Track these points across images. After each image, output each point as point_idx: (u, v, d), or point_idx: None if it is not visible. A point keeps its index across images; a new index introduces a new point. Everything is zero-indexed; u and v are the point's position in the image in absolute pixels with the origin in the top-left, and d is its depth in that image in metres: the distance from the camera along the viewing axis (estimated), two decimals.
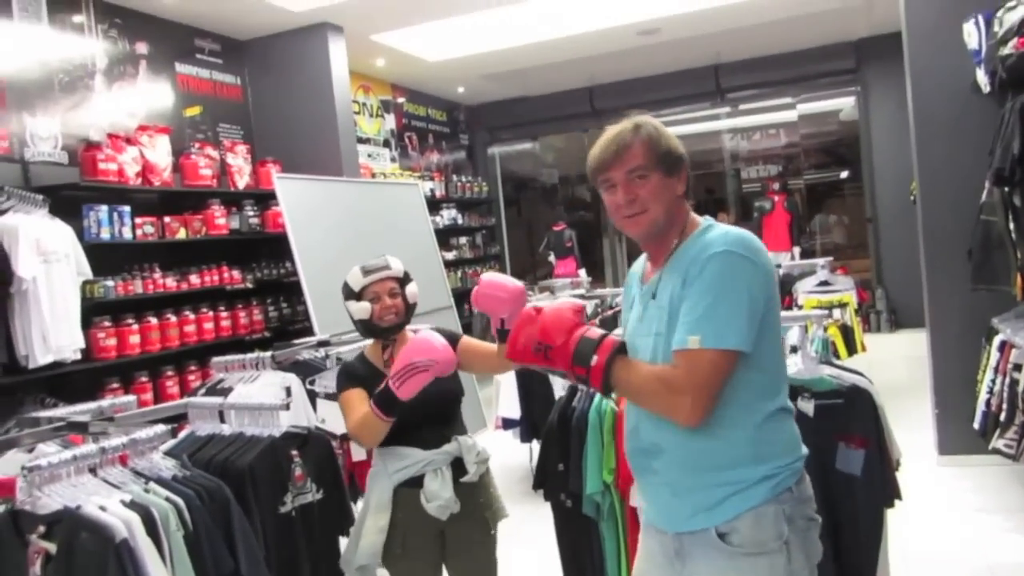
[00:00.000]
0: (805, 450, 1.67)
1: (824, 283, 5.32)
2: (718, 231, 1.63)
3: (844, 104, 9.65)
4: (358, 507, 2.71)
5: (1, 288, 3.86)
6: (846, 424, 2.42)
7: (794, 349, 2.59)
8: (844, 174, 10.12)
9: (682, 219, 1.69)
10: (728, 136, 10.57)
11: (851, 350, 4.98)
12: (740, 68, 9.30)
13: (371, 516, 2.29)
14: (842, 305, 5.07)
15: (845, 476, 2.41)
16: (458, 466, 2.33)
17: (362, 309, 2.35)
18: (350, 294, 2.38)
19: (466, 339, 2.43)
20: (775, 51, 8.93)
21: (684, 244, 1.66)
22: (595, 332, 1.59)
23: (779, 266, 5.69)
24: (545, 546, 2.82)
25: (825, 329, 3.52)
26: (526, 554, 3.41)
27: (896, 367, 6.68)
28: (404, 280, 2.44)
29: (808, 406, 2.42)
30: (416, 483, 2.27)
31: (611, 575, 2.50)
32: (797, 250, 8.49)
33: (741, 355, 1.52)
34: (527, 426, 4.70)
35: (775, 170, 10.23)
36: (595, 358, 1.55)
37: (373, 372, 2.35)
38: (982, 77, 4.16)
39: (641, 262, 1.82)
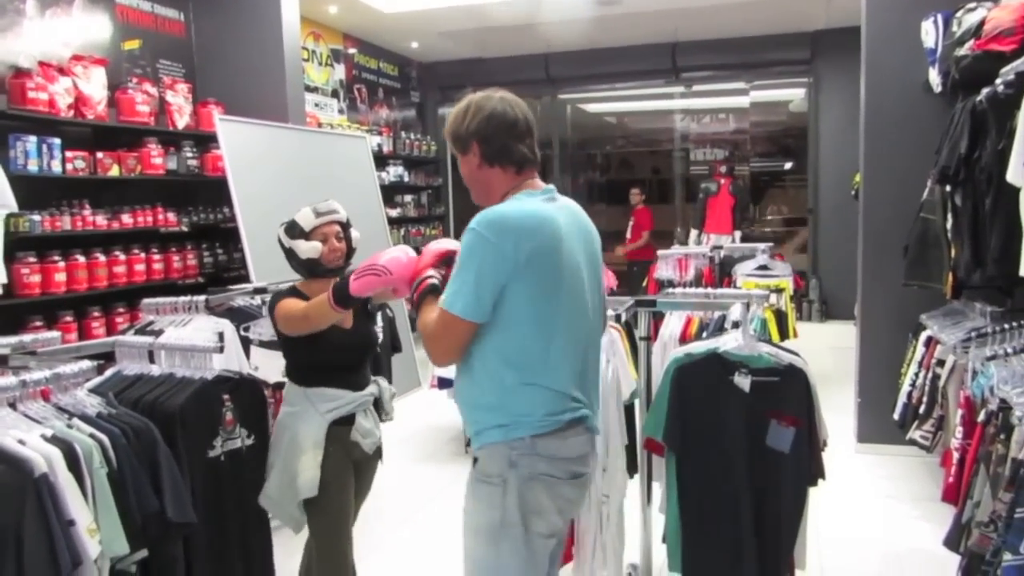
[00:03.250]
0: (570, 416, 1.84)
1: (763, 267, 5.40)
2: (492, 209, 1.80)
3: (794, 95, 9.80)
4: None
5: None
6: (779, 402, 2.47)
7: (736, 325, 2.62)
8: (788, 165, 10.29)
9: (498, 189, 1.91)
10: (680, 117, 10.62)
11: (783, 335, 5.07)
12: (697, 48, 9.34)
13: (308, 453, 2.38)
14: (779, 290, 5.15)
15: (774, 452, 2.47)
16: (375, 405, 2.57)
17: (313, 248, 2.42)
18: (299, 233, 2.44)
19: None
20: (733, 34, 8.98)
21: None
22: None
23: (720, 247, 5.76)
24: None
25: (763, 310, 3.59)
26: (451, 509, 3.40)
27: (823, 355, 6.87)
28: (347, 225, 2.55)
29: (744, 381, 2.46)
30: (345, 421, 2.45)
31: None
32: (738, 234, 8.57)
33: (481, 324, 1.77)
34: None
35: (722, 154, 10.32)
36: (413, 296, 1.95)
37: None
38: (934, 77, 4.23)
39: None
